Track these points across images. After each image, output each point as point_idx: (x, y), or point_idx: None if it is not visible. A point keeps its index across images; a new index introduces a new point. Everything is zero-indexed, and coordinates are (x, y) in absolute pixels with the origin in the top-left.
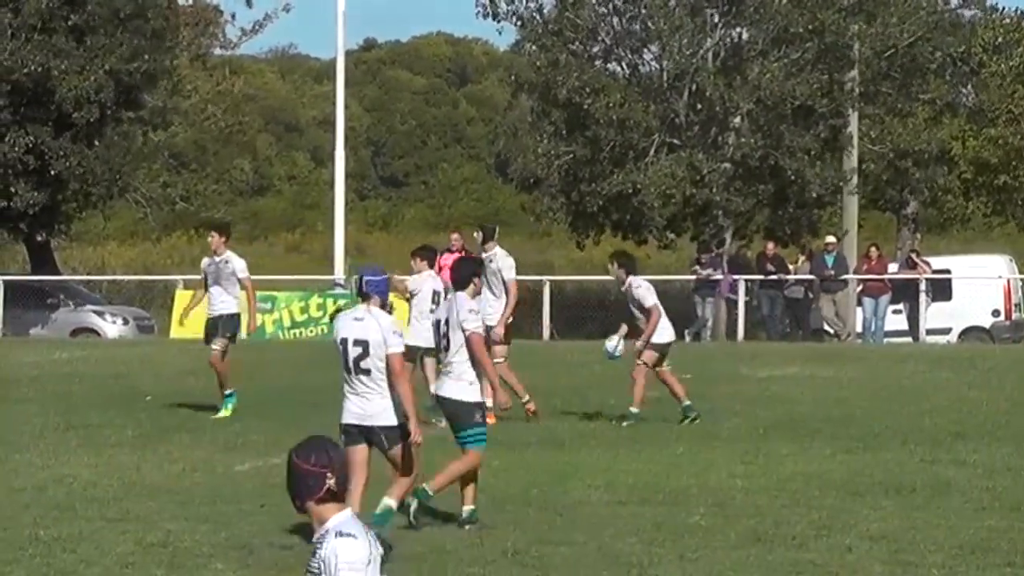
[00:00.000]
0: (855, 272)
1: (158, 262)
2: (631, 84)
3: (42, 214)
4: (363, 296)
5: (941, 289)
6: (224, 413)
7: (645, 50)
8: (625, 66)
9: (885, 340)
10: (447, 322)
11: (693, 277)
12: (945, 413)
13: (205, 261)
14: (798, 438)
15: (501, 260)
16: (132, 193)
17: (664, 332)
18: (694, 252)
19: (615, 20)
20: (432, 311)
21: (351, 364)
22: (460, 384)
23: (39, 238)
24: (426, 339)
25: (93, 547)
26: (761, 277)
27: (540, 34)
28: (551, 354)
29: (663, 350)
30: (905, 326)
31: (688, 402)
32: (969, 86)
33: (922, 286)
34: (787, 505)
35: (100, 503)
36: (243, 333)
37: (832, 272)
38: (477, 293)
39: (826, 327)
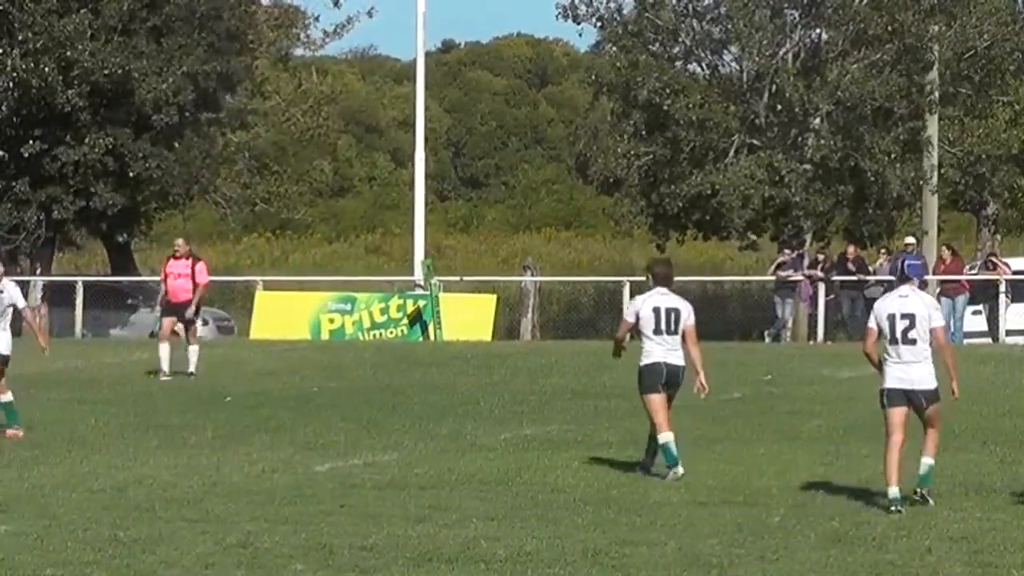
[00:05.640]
0: (932, 273)
1: (238, 263)
2: (711, 85)
3: (121, 215)
4: (905, 278)
5: (1021, 290)
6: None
7: (725, 51)
8: (705, 67)
9: (964, 341)
10: None
11: (773, 278)
12: None
13: None
14: (878, 439)
15: None
16: (212, 194)
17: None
18: (775, 253)
19: (695, 22)
20: None
21: (899, 335)
22: None
23: (119, 239)
24: None
25: (173, 548)
26: (842, 278)
27: (620, 35)
28: (632, 354)
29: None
30: (985, 327)
31: None
32: None
33: (1002, 287)
34: (867, 506)
35: (180, 504)
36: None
37: None
38: None
39: None
